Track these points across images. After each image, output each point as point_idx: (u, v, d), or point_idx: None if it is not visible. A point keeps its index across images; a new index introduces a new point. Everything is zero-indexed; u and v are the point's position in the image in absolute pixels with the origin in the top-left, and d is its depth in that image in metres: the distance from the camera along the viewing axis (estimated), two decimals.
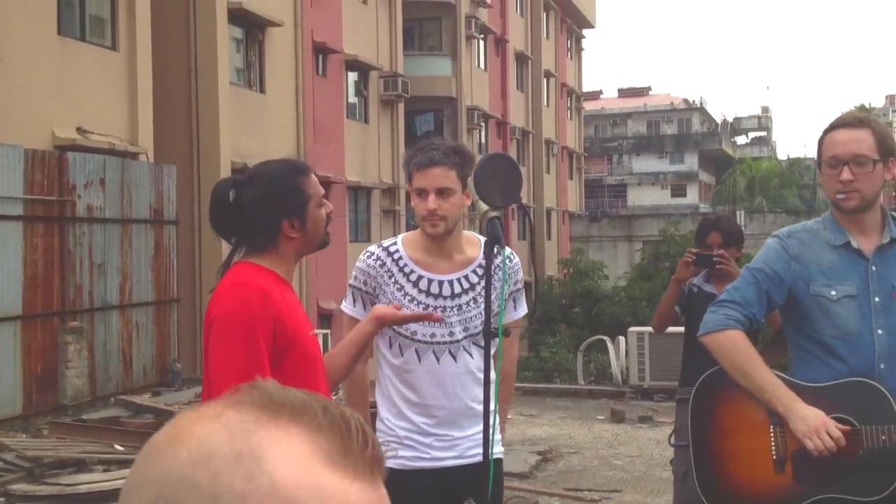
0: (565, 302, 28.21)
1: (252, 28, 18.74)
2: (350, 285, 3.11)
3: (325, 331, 16.68)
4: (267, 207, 2.54)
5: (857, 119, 2.84)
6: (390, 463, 2.82)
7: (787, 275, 2.84)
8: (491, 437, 2.75)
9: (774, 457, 2.80)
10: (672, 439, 4.10)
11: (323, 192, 2.65)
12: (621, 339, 13.40)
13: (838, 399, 2.74)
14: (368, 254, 3.11)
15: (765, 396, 2.76)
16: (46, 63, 12.53)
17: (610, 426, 10.37)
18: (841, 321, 2.78)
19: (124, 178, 12.80)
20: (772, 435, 2.81)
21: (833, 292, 2.79)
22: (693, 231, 5.30)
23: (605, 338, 14.68)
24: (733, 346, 2.81)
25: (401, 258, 3.06)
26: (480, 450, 2.97)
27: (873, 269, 2.80)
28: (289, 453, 0.63)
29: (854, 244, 2.82)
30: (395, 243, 3.12)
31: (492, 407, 2.73)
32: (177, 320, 14.12)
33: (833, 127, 2.84)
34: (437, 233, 2.99)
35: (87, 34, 13.78)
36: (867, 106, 74.33)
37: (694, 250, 4.64)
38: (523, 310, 3.26)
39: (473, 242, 3.14)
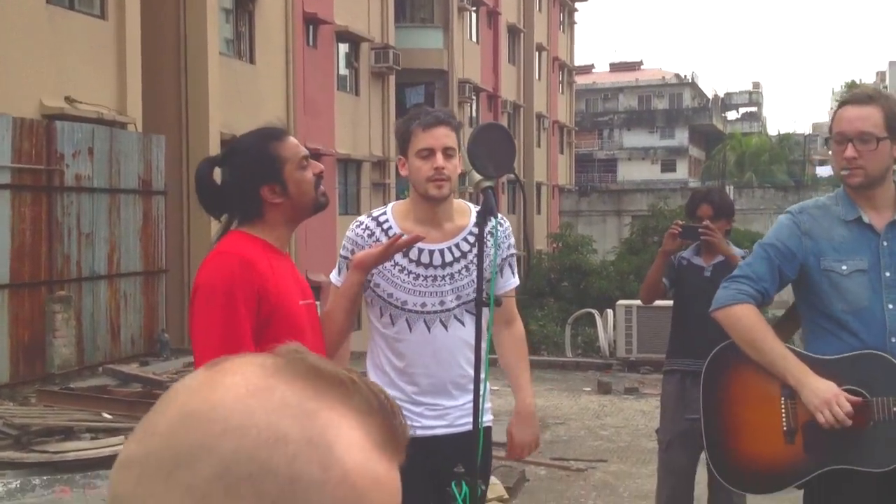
0: (554, 276, 28.28)
1: None
2: (340, 256, 3.09)
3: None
4: (244, 178, 2.55)
5: (868, 96, 2.84)
6: None
7: (798, 250, 2.86)
8: (481, 406, 2.76)
9: (785, 428, 2.83)
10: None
11: (304, 153, 2.60)
12: (609, 312, 13.46)
13: (849, 371, 2.76)
14: (358, 223, 3.09)
15: (776, 369, 2.79)
16: (35, 32, 12.42)
17: (596, 397, 10.44)
18: (852, 296, 2.80)
19: (113, 148, 12.74)
20: (783, 407, 2.83)
21: (844, 267, 2.81)
22: (682, 206, 5.32)
23: (593, 311, 14.74)
24: (745, 320, 2.84)
25: (391, 228, 3.03)
26: (470, 419, 2.98)
27: (885, 244, 2.82)
28: (352, 441, 0.63)
29: (865, 219, 2.83)
30: (384, 213, 3.10)
31: (482, 376, 2.74)
32: (165, 290, 14.12)
33: (844, 103, 2.87)
34: (442, 194, 2.97)
35: (76, 3, 13.64)
36: (857, 82, 74.37)
37: (680, 222, 4.65)
38: (516, 280, 3.25)
39: (463, 210, 3.13)
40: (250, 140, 2.61)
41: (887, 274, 2.80)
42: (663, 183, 56.01)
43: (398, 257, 3.00)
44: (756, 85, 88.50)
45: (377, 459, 0.64)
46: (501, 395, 10.37)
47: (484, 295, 2.75)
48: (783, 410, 2.84)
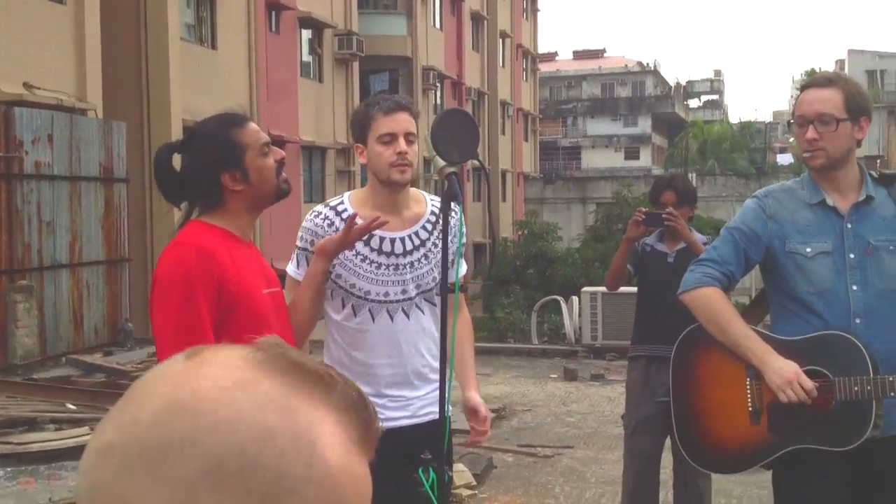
0: (519, 263, 28.33)
1: None
2: (297, 247, 3.04)
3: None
4: (204, 165, 2.51)
5: (827, 79, 2.89)
6: None
7: (763, 233, 2.90)
8: (448, 395, 2.76)
9: (750, 409, 2.88)
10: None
11: (266, 139, 2.56)
12: (574, 299, 13.52)
13: (813, 352, 2.80)
14: (315, 213, 3.04)
15: (740, 350, 2.84)
16: None
17: (563, 384, 10.50)
18: (816, 278, 2.84)
19: (73, 135, 12.57)
20: (748, 388, 2.88)
21: (808, 249, 2.85)
22: (646, 193, 5.36)
23: (559, 298, 14.80)
24: (711, 302, 2.89)
25: (350, 216, 3.02)
26: (433, 408, 3.02)
27: (848, 226, 2.85)
28: (333, 438, 0.63)
29: (829, 202, 2.87)
30: (342, 202, 3.05)
31: (448, 362, 2.73)
32: (128, 279, 13.97)
33: (805, 86, 2.92)
34: (405, 179, 2.95)
35: None
36: (817, 70, 75.13)
37: (644, 209, 4.68)
38: (465, 266, 3.23)
39: (419, 199, 3.12)
40: (210, 126, 2.56)
41: (851, 256, 2.83)
42: (627, 170, 56.31)
43: (360, 246, 2.97)
44: (717, 73, 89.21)
45: (355, 456, 0.64)
46: (457, 387, 10.41)
47: (449, 283, 2.75)
48: (748, 391, 2.88)
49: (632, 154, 67.58)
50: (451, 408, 3.15)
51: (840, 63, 66.93)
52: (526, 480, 6.62)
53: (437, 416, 3.03)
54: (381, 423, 0.68)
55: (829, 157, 2.82)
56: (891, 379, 2.73)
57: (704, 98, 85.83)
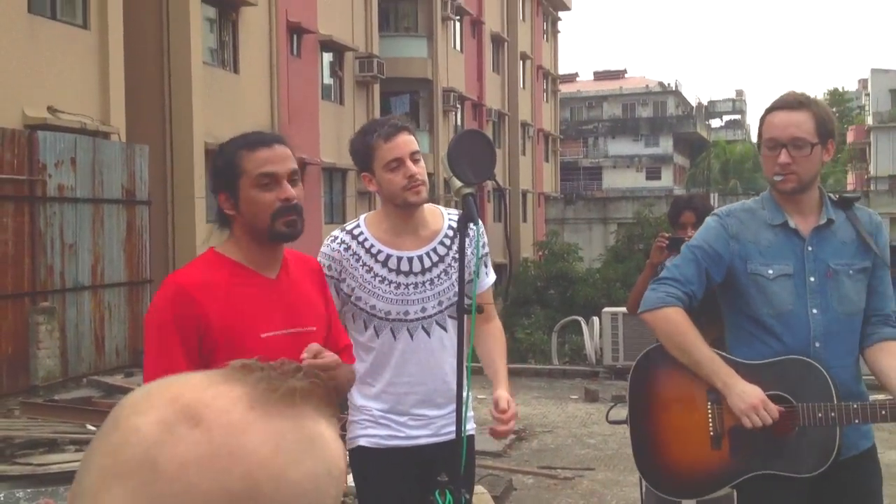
0: (540, 284, 28.26)
1: (226, 7, 18.57)
2: None
3: None
4: (211, 179, 2.44)
5: (798, 101, 2.80)
6: (364, 441, 2.82)
7: (726, 253, 2.84)
8: (464, 414, 2.75)
9: (712, 433, 2.82)
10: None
11: (268, 171, 2.33)
12: (595, 319, 13.46)
13: (776, 376, 2.75)
14: (332, 238, 3.04)
15: (703, 372, 2.77)
16: (16, 41, 12.36)
17: (583, 405, 10.43)
18: (777, 300, 2.78)
19: (96, 158, 12.68)
20: (709, 411, 2.81)
21: (770, 271, 2.80)
22: (667, 214, 5.34)
23: (580, 318, 14.74)
24: (673, 322, 2.81)
25: (366, 240, 3.01)
26: (454, 427, 2.98)
27: (809, 249, 2.81)
28: (230, 404, 0.69)
29: (791, 224, 2.82)
30: (357, 225, 3.06)
31: (464, 383, 2.72)
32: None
33: (774, 108, 2.81)
34: (422, 199, 2.95)
35: (58, 12, 13.60)
36: (840, 90, 74.89)
37: (666, 234, 4.66)
38: (492, 276, 3.24)
39: (436, 214, 3.11)
40: (233, 139, 2.45)
41: (812, 279, 2.79)
42: (648, 190, 56.15)
43: (378, 267, 2.97)
44: (739, 93, 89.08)
45: (257, 412, 0.68)
46: (487, 404, 10.36)
47: (466, 303, 2.74)
48: (709, 415, 2.82)
49: (653, 174, 67.41)
50: (473, 426, 3.14)
51: (863, 82, 66.67)
52: (546, 503, 6.57)
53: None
54: (304, 382, 0.70)
55: (801, 182, 2.77)
56: (854, 406, 2.69)
57: (726, 118, 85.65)
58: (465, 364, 2.76)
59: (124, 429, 0.67)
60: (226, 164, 2.37)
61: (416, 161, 2.94)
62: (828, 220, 2.83)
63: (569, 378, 12.50)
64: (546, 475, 7.27)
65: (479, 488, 6.19)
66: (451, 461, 2.83)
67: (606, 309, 12.97)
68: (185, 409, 0.66)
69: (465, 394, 2.71)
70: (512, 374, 12.63)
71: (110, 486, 0.65)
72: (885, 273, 2.91)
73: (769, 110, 2.82)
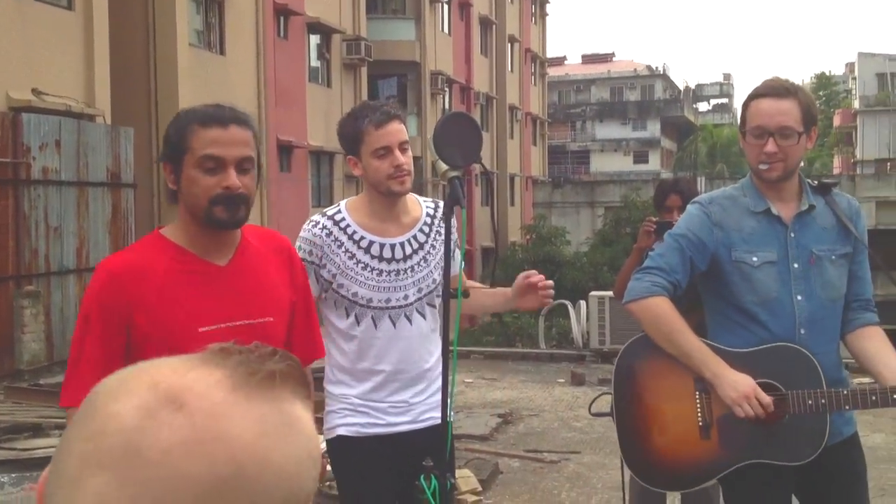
0: (528, 267, 28.24)
1: None
2: None
3: None
4: (163, 145, 2.24)
5: (785, 88, 2.77)
6: (344, 430, 2.79)
7: (709, 241, 2.81)
8: (450, 399, 2.74)
9: (700, 423, 2.79)
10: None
11: (212, 153, 2.13)
12: (582, 303, 13.48)
13: (764, 364, 2.73)
14: (313, 223, 3.00)
15: (692, 363, 2.74)
16: (1, 23, 12.24)
17: (570, 389, 10.46)
18: (762, 287, 2.77)
19: (80, 141, 12.58)
20: (697, 401, 2.79)
21: (754, 258, 2.78)
22: (652, 197, 5.32)
23: (567, 302, 14.76)
24: (660, 312, 2.78)
25: (348, 226, 2.98)
26: (434, 413, 2.99)
27: (792, 235, 2.80)
28: (208, 388, 0.69)
29: (774, 211, 2.80)
30: (339, 211, 3.02)
31: (451, 367, 2.71)
32: None
33: (759, 95, 2.77)
34: (405, 190, 2.94)
35: None
36: (827, 74, 75.02)
37: (654, 219, 4.64)
38: (459, 254, 3.18)
39: (415, 202, 3.11)
40: (191, 109, 2.24)
41: (795, 265, 2.78)
42: (636, 174, 56.19)
43: (360, 254, 2.95)
44: (727, 76, 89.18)
45: (238, 396, 0.68)
46: (475, 388, 10.38)
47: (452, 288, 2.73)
48: (698, 405, 2.79)
49: (641, 158, 67.46)
50: (452, 413, 3.12)
51: (850, 66, 66.80)
52: (532, 486, 6.58)
53: (438, 422, 2.99)
54: (280, 366, 0.70)
55: (787, 170, 2.76)
56: (845, 392, 2.69)
57: (714, 102, 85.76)
58: (449, 348, 2.74)
59: (103, 415, 0.66)
60: (175, 135, 2.17)
61: (404, 151, 2.93)
62: (809, 206, 2.82)
63: (556, 362, 12.53)
64: (532, 458, 7.29)
65: (465, 472, 6.20)
66: (432, 447, 2.83)
67: (593, 293, 13.00)
68: (166, 394, 0.66)
69: (450, 378, 2.70)
70: (498, 357, 12.73)
71: (93, 473, 0.64)
72: (864, 258, 2.91)
73: (754, 97, 2.78)
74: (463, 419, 8.45)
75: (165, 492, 0.63)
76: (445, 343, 2.75)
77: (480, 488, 6.16)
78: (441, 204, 3.13)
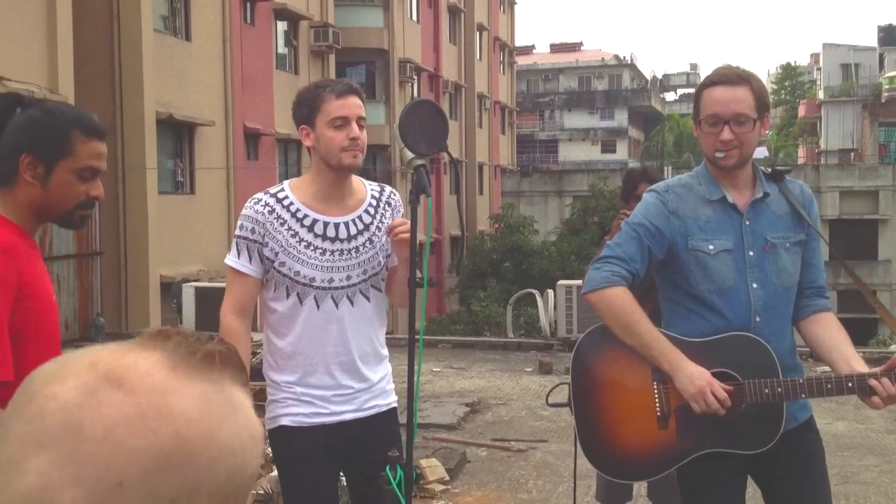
0: (496, 257, 28.35)
1: None
2: (236, 236, 2.94)
3: None
4: (18, 134, 2.18)
5: (737, 75, 2.78)
6: (287, 420, 2.77)
7: (667, 229, 2.81)
8: (416, 391, 2.72)
9: (658, 413, 2.79)
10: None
11: (94, 166, 2.22)
12: (550, 292, 13.51)
13: (721, 353, 2.74)
14: (255, 200, 2.94)
15: (651, 354, 2.74)
16: None
17: (537, 378, 10.48)
18: (718, 275, 2.77)
19: None
20: (655, 392, 2.79)
21: (711, 247, 2.78)
22: (620, 187, 5.30)
23: (535, 291, 14.80)
24: (618, 302, 2.77)
25: (291, 203, 2.92)
26: (377, 402, 3.00)
27: (747, 223, 2.80)
28: (152, 368, 0.70)
29: (729, 199, 2.81)
30: (282, 189, 2.98)
31: (416, 367, 2.68)
32: (100, 273, 13.83)
33: (712, 83, 2.78)
34: (357, 164, 2.91)
35: None
36: (793, 63, 75.64)
37: (628, 212, 4.63)
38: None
39: (359, 183, 3.08)
40: (64, 109, 2.28)
41: (751, 253, 2.79)
42: (603, 164, 56.42)
43: (303, 232, 2.91)
44: (693, 66, 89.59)
45: (179, 375, 0.69)
46: (444, 377, 10.38)
47: (418, 276, 2.71)
48: (655, 395, 2.80)
49: (608, 147, 67.72)
50: (395, 398, 3.09)
51: (815, 56, 67.41)
52: (499, 475, 6.59)
53: (381, 410, 3.02)
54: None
55: (743, 157, 2.77)
56: (801, 381, 2.71)
57: (681, 91, 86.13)
58: (415, 337, 2.72)
59: (41, 398, 0.66)
60: (56, 132, 2.18)
61: (361, 126, 2.90)
62: (763, 194, 2.83)
63: (523, 350, 12.55)
64: (499, 447, 7.30)
65: (432, 461, 6.19)
66: (377, 435, 2.90)
67: (561, 282, 13.02)
68: (106, 374, 0.66)
69: (416, 366, 2.68)
70: (466, 346, 12.70)
71: (34, 453, 0.64)
72: (817, 245, 2.92)
73: (707, 85, 2.79)
74: (430, 408, 8.44)
75: (110, 468, 0.63)
76: (412, 330, 2.74)
77: (448, 477, 6.16)
78: (387, 188, 3.13)
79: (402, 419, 2.96)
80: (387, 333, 3.18)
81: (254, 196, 2.98)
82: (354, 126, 2.86)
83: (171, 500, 0.64)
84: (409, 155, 2.73)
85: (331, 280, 2.92)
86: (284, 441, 2.94)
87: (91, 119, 2.27)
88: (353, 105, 2.87)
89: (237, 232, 2.94)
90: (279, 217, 2.90)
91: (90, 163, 2.21)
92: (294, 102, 2.98)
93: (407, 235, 2.84)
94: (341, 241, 2.94)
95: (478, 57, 38.23)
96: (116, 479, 0.63)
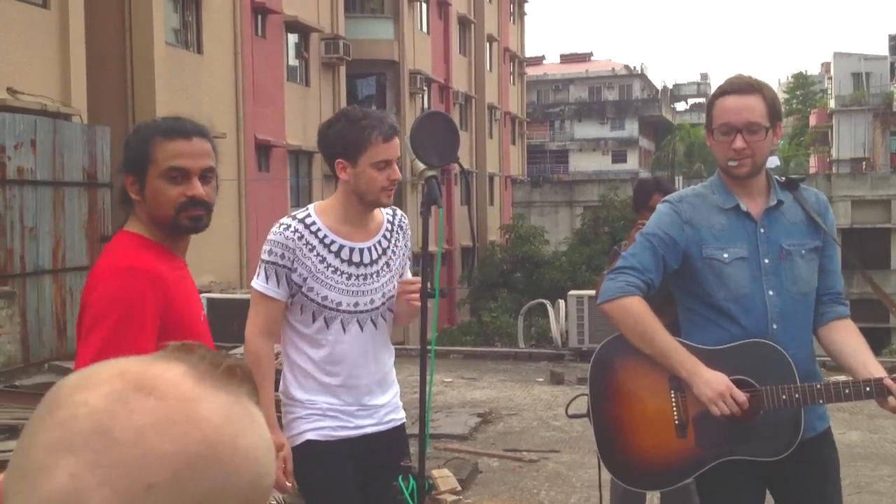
0: (507, 267, 28.35)
1: None
2: (263, 261, 2.96)
3: None
4: (124, 158, 2.33)
5: (749, 84, 2.80)
6: (313, 435, 2.80)
7: (681, 239, 2.83)
8: (428, 402, 2.74)
9: (677, 422, 2.80)
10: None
11: (179, 165, 2.26)
12: (561, 302, 13.50)
13: (738, 360, 2.75)
14: (284, 226, 2.97)
15: (668, 362, 2.75)
16: None
17: (549, 388, 10.47)
18: (733, 283, 2.79)
19: (56, 140, 12.47)
20: (673, 400, 2.80)
21: (725, 255, 2.80)
22: (632, 197, 5.29)
23: (546, 301, 14.79)
24: (634, 312, 2.78)
25: (319, 229, 2.97)
26: (394, 415, 3.10)
27: (762, 231, 2.82)
28: (179, 379, 0.73)
29: (743, 207, 2.83)
30: (309, 214, 3.01)
31: (428, 377, 2.73)
32: None
33: (724, 92, 2.81)
34: (390, 202, 3.02)
35: None
36: (804, 73, 75.53)
37: (644, 223, 4.63)
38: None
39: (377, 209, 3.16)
40: (152, 123, 2.37)
41: (766, 261, 2.80)
42: (614, 174, 56.40)
43: (330, 258, 2.96)
44: (704, 76, 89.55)
45: (206, 388, 0.72)
46: (454, 388, 10.38)
47: (429, 287, 2.73)
48: (674, 404, 2.81)
49: (619, 157, 67.68)
50: (403, 414, 3.17)
51: (826, 66, 67.30)
52: (511, 485, 6.58)
53: (398, 423, 3.11)
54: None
55: (755, 165, 2.79)
56: (818, 387, 2.71)
57: (691, 101, 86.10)
58: (429, 354, 2.75)
59: (69, 405, 0.68)
60: (137, 146, 2.29)
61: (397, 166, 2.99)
62: (777, 202, 2.84)
63: (534, 361, 12.54)
64: (511, 458, 7.29)
65: (444, 471, 6.19)
66: (394, 447, 3.00)
67: (572, 292, 13.02)
68: (136, 382, 0.69)
69: (428, 378, 2.71)
70: (477, 356, 12.72)
71: (63, 457, 0.65)
72: (834, 252, 2.93)
73: (719, 95, 2.81)
74: (442, 419, 8.44)
75: (141, 470, 0.65)
76: (423, 342, 2.76)
77: (460, 488, 6.16)
78: (398, 212, 3.20)
79: (414, 430, 3.00)
80: (398, 344, 3.24)
81: (281, 221, 3.01)
82: (395, 168, 2.93)
83: (200, 502, 0.67)
84: (421, 166, 2.76)
85: (356, 304, 2.98)
86: (312, 455, 2.98)
87: (175, 121, 2.34)
88: (395, 147, 2.93)
89: (265, 257, 2.96)
90: (308, 243, 2.94)
91: (171, 163, 2.25)
92: (334, 134, 2.95)
93: (418, 303, 2.91)
94: (365, 265, 3.00)
95: (488, 68, 38.29)
96: (148, 481, 0.65)
